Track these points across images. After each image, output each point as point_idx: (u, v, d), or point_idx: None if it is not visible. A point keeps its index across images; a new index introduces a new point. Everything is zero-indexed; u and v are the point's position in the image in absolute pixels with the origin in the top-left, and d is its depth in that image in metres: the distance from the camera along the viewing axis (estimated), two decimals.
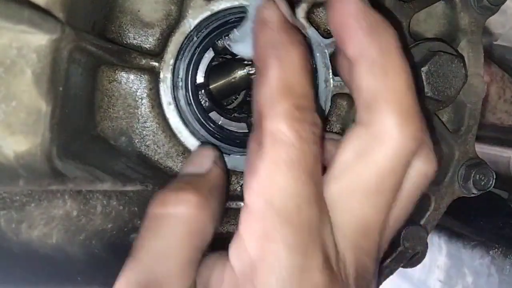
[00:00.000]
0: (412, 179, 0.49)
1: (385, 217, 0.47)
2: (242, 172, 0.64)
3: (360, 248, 0.46)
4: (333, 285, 0.42)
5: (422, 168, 0.49)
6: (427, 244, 0.76)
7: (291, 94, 0.44)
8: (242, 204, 0.57)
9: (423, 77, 0.64)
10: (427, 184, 0.51)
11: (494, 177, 0.73)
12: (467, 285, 1.00)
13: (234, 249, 0.44)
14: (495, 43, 1.01)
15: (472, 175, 0.72)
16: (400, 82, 0.46)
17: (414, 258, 0.80)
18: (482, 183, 0.73)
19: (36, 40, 0.42)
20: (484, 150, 1.07)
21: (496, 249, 0.96)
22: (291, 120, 0.43)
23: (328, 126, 0.66)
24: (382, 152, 0.45)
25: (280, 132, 0.42)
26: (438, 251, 1.13)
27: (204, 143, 0.62)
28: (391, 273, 0.74)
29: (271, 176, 0.42)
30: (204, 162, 0.54)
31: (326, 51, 0.64)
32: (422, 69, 0.64)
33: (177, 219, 0.46)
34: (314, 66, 0.64)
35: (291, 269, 0.40)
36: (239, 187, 0.65)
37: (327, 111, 0.65)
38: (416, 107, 0.47)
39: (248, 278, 0.42)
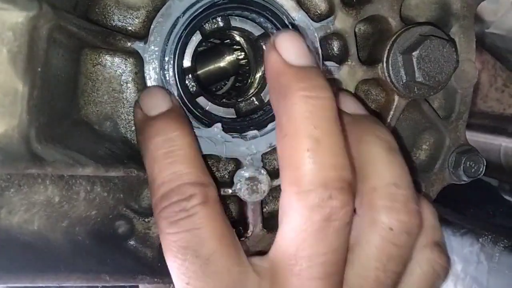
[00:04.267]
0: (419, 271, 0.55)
1: None
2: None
3: None
4: None
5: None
6: None
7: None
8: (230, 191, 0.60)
9: (414, 62, 0.63)
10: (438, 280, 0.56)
11: (485, 164, 0.73)
12: (456, 273, 1.00)
13: None
14: (486, 31, 1.00)
15: (463, 162, 0.72)
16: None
17: None
18: (472, 170, 0.72)
19: (12, 17, 0.41)
20: (474, 138, 1.06)
21: (486, 237, 0.96)
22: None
23: None
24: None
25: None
26: None
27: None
28: None
29: None
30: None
31: (316, 35, 0.63)
32: (413, 53, 0.63)
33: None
34: None
35: None
36: (227, 174, 0.64)
37: None
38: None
39: None
